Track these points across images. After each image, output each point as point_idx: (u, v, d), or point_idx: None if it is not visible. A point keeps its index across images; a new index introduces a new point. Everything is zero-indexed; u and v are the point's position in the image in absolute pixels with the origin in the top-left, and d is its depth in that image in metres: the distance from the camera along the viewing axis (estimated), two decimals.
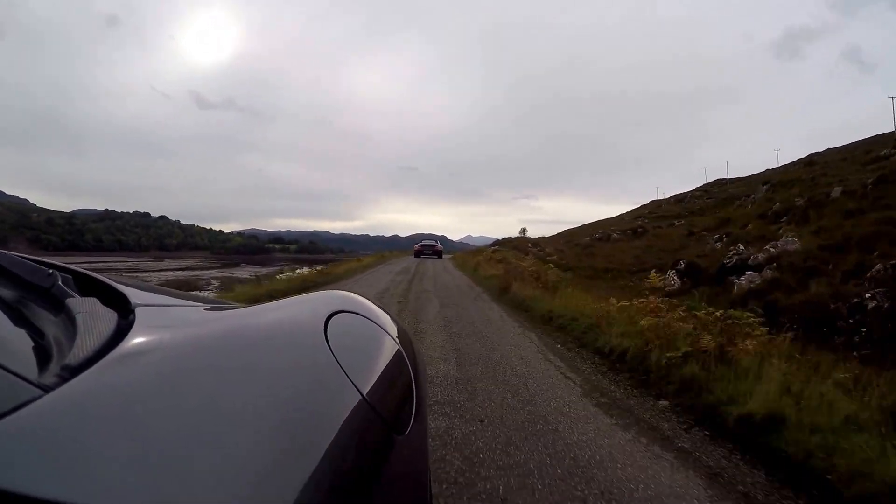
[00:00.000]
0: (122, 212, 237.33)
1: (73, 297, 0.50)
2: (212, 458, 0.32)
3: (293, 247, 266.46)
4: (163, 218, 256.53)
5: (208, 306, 0.65)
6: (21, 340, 0.43)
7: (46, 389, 0.31)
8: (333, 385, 0.50)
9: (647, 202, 55.86)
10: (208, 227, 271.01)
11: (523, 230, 77.34)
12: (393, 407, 0.58)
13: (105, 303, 0.49)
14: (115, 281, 0.61)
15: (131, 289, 0.59)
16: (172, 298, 0.68)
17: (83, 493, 0.25)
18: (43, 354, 0.39)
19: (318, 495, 0.36)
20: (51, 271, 0.56)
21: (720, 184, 44.30)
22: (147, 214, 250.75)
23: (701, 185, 47.02)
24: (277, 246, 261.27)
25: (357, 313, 0.68)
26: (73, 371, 0.34)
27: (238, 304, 0.75)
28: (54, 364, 0.36)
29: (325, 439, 0.41)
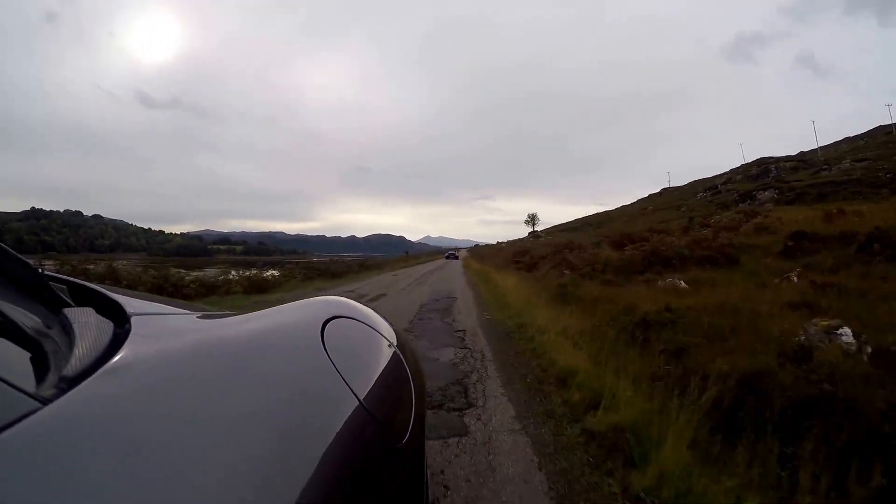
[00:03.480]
0: (50, 210, 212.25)
1: (69, 306, 0.50)
2: (213, 467, 0.33)
3: (239, 248, 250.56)
4: (96, 217, 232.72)
5: (203, 314, 0.64)
6: (19, 352, 0.42)
7: (45, 401, 0.31)
8: (331, 392, 0.50)
9: (656, 190, 47.14)
10: (146, 227, 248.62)
11: (533, 216, 65.36)
12: (391, 414, 0.58)
13: (100, 312, 0.49)
14: (108, 290, 0.60)
15: (125, 297, 0.58)
16: (167, 307, 0.67)
17: None
18: (41, 366, 0.39)
19: (313, 502, 0.36)
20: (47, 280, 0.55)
21: (769, 161, 35.39)
22: (79, 213, 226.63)
23: (737, 165, 38.35)
24: (223, 247, 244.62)
25: (354, 318, 0.68)
26: (71, 382, 0.34)
27: (233, 312, 0.72)
28: (52, 375, 0.36)
29: (322, 447, 0.42)
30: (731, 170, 41.29)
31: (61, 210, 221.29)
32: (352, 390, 0.50)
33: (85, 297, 0.57)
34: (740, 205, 22.34)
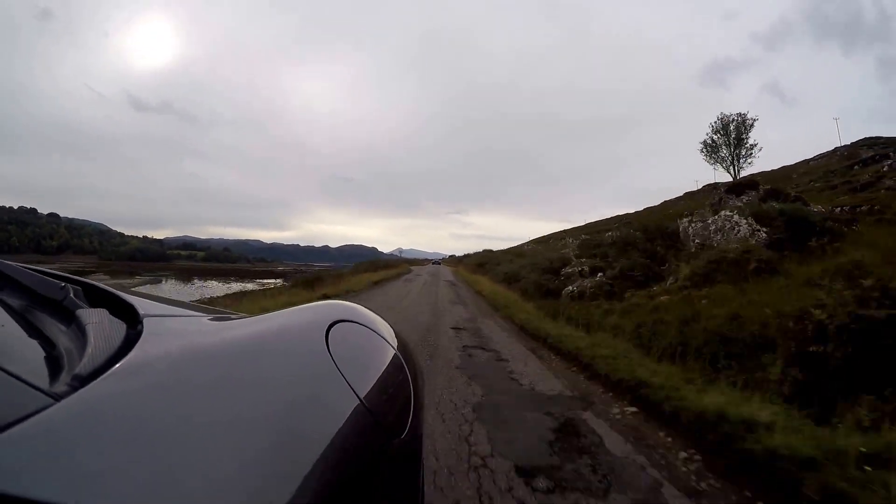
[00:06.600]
0: None
1: (83, 307, 0.51)
2: (218, 464, 0.34)
3: (200, 254, 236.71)
4: (52, 215, 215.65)
5: (212, 316, 0.65)
6: (33, 350, 0.43)
7: (57, 398, 0.32)
8: (334, 392, 0.52)
9: (680, 194, 39.63)
10: (105, 228, 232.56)
11: (741, 126, 28.69)
12: (391, 413, 0.60)
13: (114, 314, 0.50)
14: (123, 292, 0.61)
15: (139, 299, 0.59)
16: (179, 309, 0.68)
17: (93, 500, 0.26)
18: (54, 364, 0.40)
19: (315, 497, 0.38)
20: (63, 284, 0.56)
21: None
22: (33, 210, 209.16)
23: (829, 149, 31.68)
24: (184, 253, 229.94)
25: (357, 322, 0.70)
26: (83, 380, 0.35)
27: (242, 315, 0.74)
28: (65, 373, 0.37)
29: (324, 443, 0.44)
30: (825, 153, 34.90)
31: (15, 207, 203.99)
32: (353, 390, 0.52)
33: (99, 299, 0.58)
34: None
